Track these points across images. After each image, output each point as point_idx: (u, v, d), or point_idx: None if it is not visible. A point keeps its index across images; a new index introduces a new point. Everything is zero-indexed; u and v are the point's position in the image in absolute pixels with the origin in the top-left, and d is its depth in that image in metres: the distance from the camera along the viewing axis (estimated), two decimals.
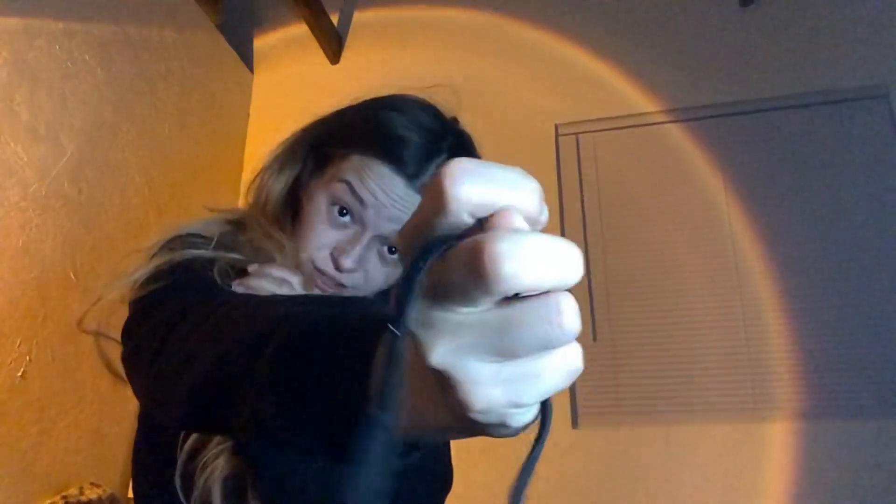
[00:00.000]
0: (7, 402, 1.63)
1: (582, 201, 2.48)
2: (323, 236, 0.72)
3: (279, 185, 0.77)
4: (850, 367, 2.07)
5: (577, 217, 2.46)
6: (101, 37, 2.10)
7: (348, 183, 0.71)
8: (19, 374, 1.67)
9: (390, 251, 0.73)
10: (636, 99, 2.55)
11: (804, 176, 2.32)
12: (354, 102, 0.79)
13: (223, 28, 2.78)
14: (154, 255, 0.72)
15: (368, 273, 0.73)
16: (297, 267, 0.72)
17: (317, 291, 0.73)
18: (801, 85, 2.41)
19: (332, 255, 0.72)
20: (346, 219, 0.72)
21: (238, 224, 0.77)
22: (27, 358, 1.70)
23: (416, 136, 0.72)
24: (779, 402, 2.09)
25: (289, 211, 0.77)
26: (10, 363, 1.65)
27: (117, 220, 2.08)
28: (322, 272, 0.72)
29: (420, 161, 0.71)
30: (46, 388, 1.74)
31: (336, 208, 0.72)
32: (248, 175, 3.10)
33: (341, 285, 0.73)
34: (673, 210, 2.39)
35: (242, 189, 2.74)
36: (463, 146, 0.78)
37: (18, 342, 1.68)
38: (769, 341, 2.16)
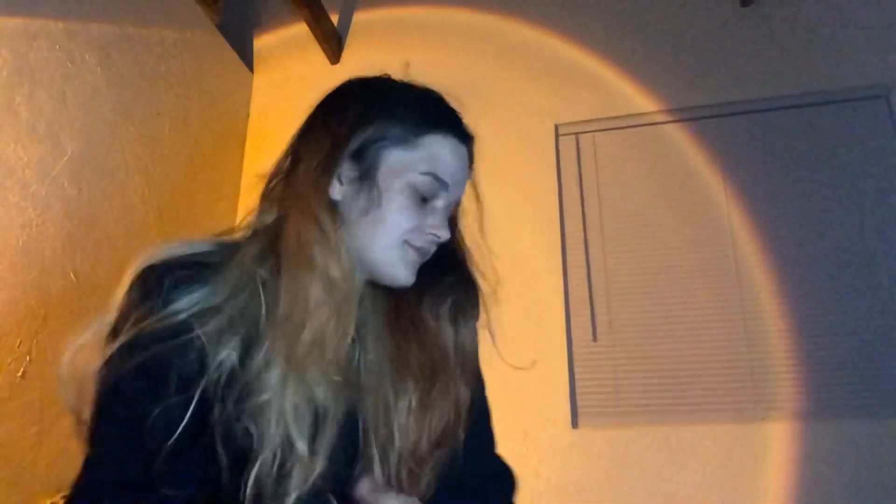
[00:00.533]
0: (7, 402, 1.63)
1: (582, 201, 2.48)
2: (413, 217, 0.74)
3: (332, 176, 0.73)
4: (850, 367, 2.07)
5: (577, 217, 2.46)
6: (101, 37, 2.10)
7: (432, 174, 0.74)
8: (19, 374, 1.67)
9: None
10: (636, 99, 2.55)
11: (804, 176, 2.32)
12: (371, 88, 0.81)
13: (223, 28, 2.78)
14: (128, 301, 0.65)
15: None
16: (347, 280, 0.68)
17: (402, 270, 0.74)
18: (801, 85, 2.41)
19: (420, 230, 0.74)
20: (430, 202, 0.76)
21: (233, 247, 0.70)
22: (27, 358, 1.70)
23: (447, 103, 0.82)
24: (779, 402, 2.09)
25: (334, 208, 0.73)
26: (10, 363, 1.65)
27: (117, 220, 2.08)
28: (420, 247, 0.75)
29: (460, 122, 0.80)
30: (46, 388, 1.74)
31: (418, 196, 0.74)
32: (248, 175, 3.09)
33: (428, 255, 0.77)
34: (673, 210, 2.39)
35: (242, 189, 2.76)
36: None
37: (18, 342, 1.68)
38: (769, 341, 2.16)
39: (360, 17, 3.02)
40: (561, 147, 2.58)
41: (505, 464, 0.85)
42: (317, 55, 2.92)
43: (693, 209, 2.38)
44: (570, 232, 2.44)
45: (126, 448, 0.61)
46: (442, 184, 0.75)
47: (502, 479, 0.84)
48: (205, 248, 0.69)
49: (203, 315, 0.63)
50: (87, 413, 0.63)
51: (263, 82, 2.99)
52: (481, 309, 0.83)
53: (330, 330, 0.65)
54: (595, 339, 2.30)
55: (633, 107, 2.54)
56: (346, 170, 0.73)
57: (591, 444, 2.14)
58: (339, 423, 0.65)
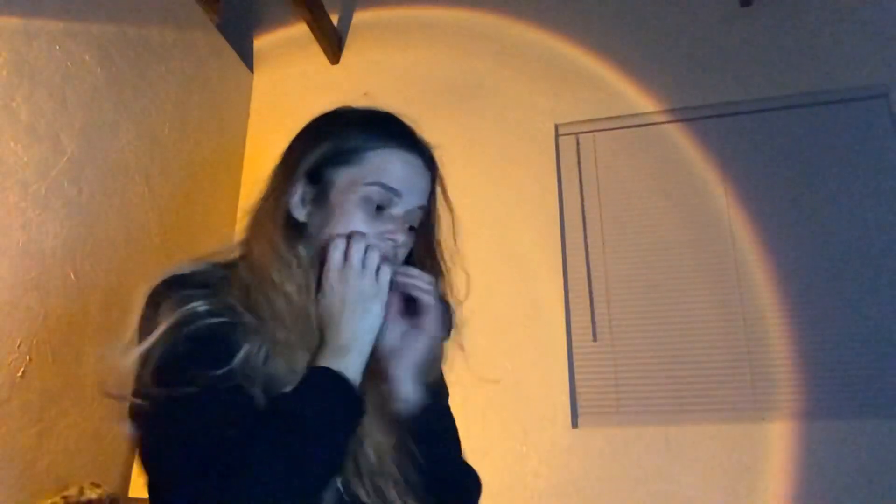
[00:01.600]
0: (7, 402, 1.63)
1: (582, 201, 2.48)
2: (366, 227, 0.79)
3: (287, 203, 0.81)
4: (850, 367, 2.07)
5: (577, 217, 2.46)
6: (101, 37, 2.10)
7: (381, 183, 0.80)
8: (19, 374, 1.67)
9: (409, 228, 0.84)
10: (636, 99, 2.55)
11: (804, 176, 2.32)
12: (322, 118, 0.87)
13: (223, 28, 2.78)
14: (148, 315, 0.72)
15: (401, 250, 0.83)
16: (309, 291, 0.77)
17: None
18: (801, 85, 2.41)
19: (378, 237, 0.80)
20: (386, 211, 0.81)
21: (230, 268, 0.78)
22: (27, 358, 1.70)
23: (398, 120, 0.86)
24: (779, 402, 2.09)
25: (295, 229, 0.81)
26: (10, 363, 1.65)
27: (117, 220, 2.08)
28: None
29: (418, 141, 0.85)
30: (46, 388, 1.74)
31: (371, 206, 0.80)
32: (248, 175, 3.11)
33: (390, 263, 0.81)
34: (673, 210, 2.39)
35: (242, 189, 2.76)
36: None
37: (18, 342, 1.68)
38: (769, 341, 2.16)
39: (360, 17, 3.01)
40: (561, 147, 2.58)
41: (470, 468, 0.88)
42: (317, 55, 2.92)
43: (693, 209, 2.38)
44: (570, 232, 2.44)
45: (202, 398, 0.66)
46: (391, 190, 0.80)
47: (466, 485, 0.87)
48: (204, 267, 0.78)
49: (224, 306, 0.72)
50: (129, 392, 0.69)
51: (263, 82, 2.99)
52: (453, 325, 0.89)
53: (293, 336, 0.73)
54: (595, 339, 2.29)
55: (633, 107, 2.54)
56: (307, 192, 0.81)
57: (591, 444, 2.14)
58: None
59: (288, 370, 0.70)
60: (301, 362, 0.72)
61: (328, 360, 0.71)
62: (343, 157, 0.81)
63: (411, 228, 0.84)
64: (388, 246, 0.80)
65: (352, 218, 0.79)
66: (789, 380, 2.10)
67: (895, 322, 2.09)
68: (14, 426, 1.65)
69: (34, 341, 1.72)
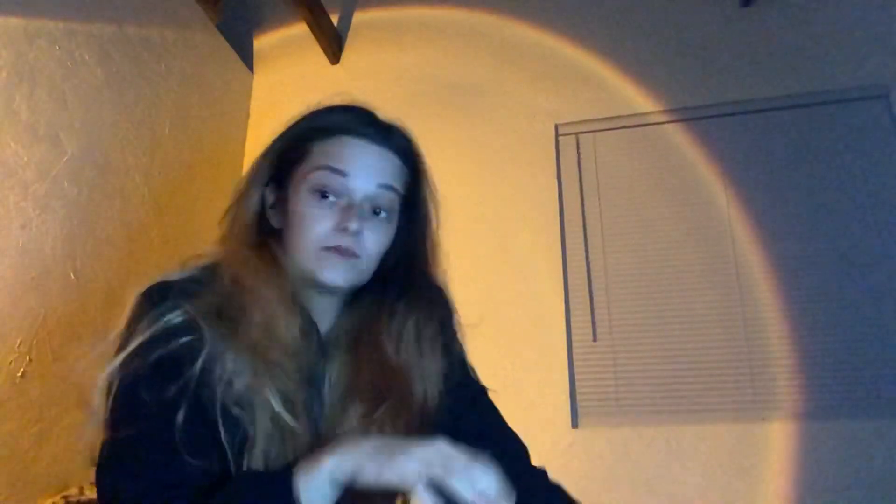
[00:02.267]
0: (7, 402, 1.63)
1: (582, 201, 2.48)
2: (320, 220, 0.77)
3: (250, 213, 0.82)
4: (850, 367, 2.07)
5: (577, 217, 2.46)
6: (101, 37, 2.10)
7: (325, 166, 0.78)
8: (19, 374, 1.67)
9: (375, 212, 0.80)
10: (636, 99, 2.55)
11: (804, 176, 2.32)
12: (278, 134, 0.87)
13: (223, 28, 2.78)
14: (133, 316, 0.74)
15: (367, 236, 0.79)
16: (281, 288, 0.76)
17: (330, 272, 0.77)
18: (801, 85, 2.41)
19: (335, 229, 0.77)
20: (331, 198, 0.78)
21: (212, 269, 0.79)
22: (27, 358, 1.70)
23: (355, 112, 0.84)
24: (779, 402, 2.09)
25: (264, 230, 0.82)
26: (10, 363, 1.65)
27: (117, 220, 2.08)
28: (334, 248, 0.77)
29: (374, 125, 0.82)
30: (46, 388, 1.74)
31: (318, 194, 0.78)
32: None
33: (354, 255, 0.78)
34: (673, 210, 2.39)
35: None
36: (391, 122, 0.86)
37: (18, 342, 1.68)
38: (769, 341, 2.16)
39: (360, 17, 3.01)
40: (561, 147, 2.58)
41: (551, 486, 0.91)
42: (317, 55, 2.92)
43: (693, 209, 2.38)
44: (570, 232, 2.44)
45: (153, 427, 0.66)
46: (336, 172, 0.78)
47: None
48: (192, 273, 0.78)
49: (200, 317, 0.72)
50: (100, 410, 0.70)
51: (263, 82, 2.99)
52: (457, 325, 0.88)
53: (275, 334, 0.73)
54: (595, 339, 2.29)
55: (633, 107, 2.54)
56: (274, 198, 0.83)
57: (591, 444, 2.14)
58: (309, 417, 0.75)
59: (248, 387, 0.69)
60: (268, 381, 0.70)
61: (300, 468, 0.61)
62: (293, 157, 0.81)
63: (377, 213, 0.80)
64: (347, 241, 0.77)
65: (304, 211, 0.77)
66: (789, 380, 2.10)
67: (895, 322, 2.09)
68: (14, 426, 1.65)
69: (34, 341, 1.72)
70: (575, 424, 2.19)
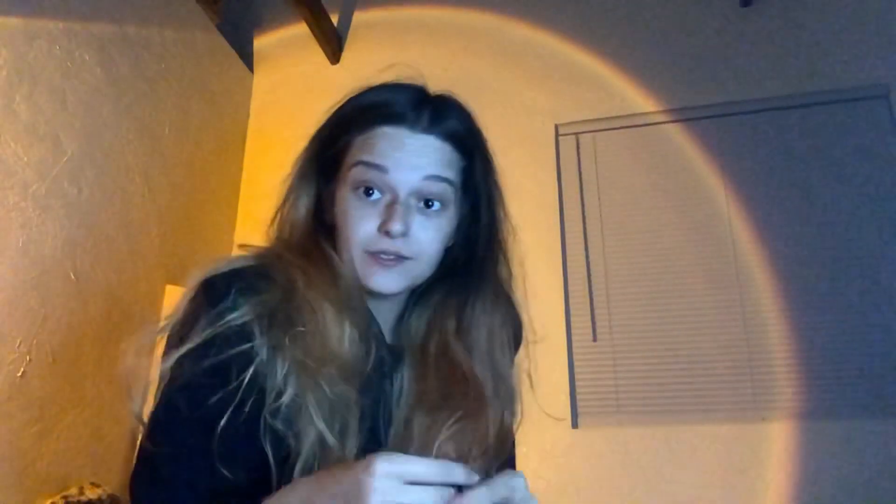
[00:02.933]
0: (7, 402, 1.63)
1: (582, 201, 2.48)
2: (363, 221, 0.71)
3: (301, 212, 0.76)
4: (850, 367, 2.07)
5: (577, 217, 2.46)
6: (101, 37, 2.10)
7: (361, 161, 0.72)
8: (19, 374, 1.67)
9: (428, 204, 0.73)
10: (636, 99, 2.55)
11: (804, 176, 2.32)
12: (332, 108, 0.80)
13: (223, 28, 2.78)
14: (195, 307, 0.68)
15: (419, 235, 0.72)
16: (336, 294, 0.70)
17: (378, 279, 0.72)
18: (801, 85, 2.41)
19: (378, 231, 0.71)
20: (375, 195, 0.72)
21: (274, 259, 0.73)
22: (27, 358, 1.70)
23: (398, 94, 0.76)
24: (779, 402, 2.09)
25: (320, 232, 0.76)
26: (10, 363, 1.65)
27: (117, 220, 2.08)
28: (379, 252, 0.71)
29: (417, 108, 0.74)
30: (46, 388, 1.74)
31: (361, 191, 0.72)
32: (248, 175, 3.09)
33: (401, 257, 0.71)
34: (673, 210, 2.39)
35: (242, 190, 2.76)
36: (446, 96, 0.81)
37: (18, 342, 1.68)
38: (769, 341, 2.16)
39: (360, 17, 3.01)
40: (561, 147, 2.58)
41: None
42: (317, 55, 2.92)
43: (693, 209, 2.38)
44: (570, 232, 2.44)
45: (192, 442, 0.63)
46: (376, 168, 0.71)
47: None
48: (256, 263, 0.71)
49: (257, 321, 0.66)
50: (143, 410, 0.66)
51: (263, 82, 2.99)
52: (521, 340, 0.81)
53: (328, 346, 0.67)
54: (595, 339, 2.29)
55: (633, 107, 2.54)
56: (325, 194, 0.77)
57: (591, 444, 2.14)
58: (364, 428, 0.68)
59: (294, 401, 0.64)
60: (314, 397, 0.65)
61: None
62: (334, 145, 0.76)
63: (430, 204, 0.72)
64: (391, 244, 0.70)
65: (347, 210, 0.72)
66: (789, 380, 2.10)
67: (895, 322, 2.09)
68: (14, 426, 1.65)
69: (34, 341, 1.72)
70: (575, 424, 2.19)
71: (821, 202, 2.27)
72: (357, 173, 0.72)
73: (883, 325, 2.09)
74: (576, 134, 2.59)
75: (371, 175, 0.71)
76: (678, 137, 2.48)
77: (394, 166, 0.71)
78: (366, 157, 0.71)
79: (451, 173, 0.74)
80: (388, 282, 0.72)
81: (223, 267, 0.70)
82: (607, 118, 2.56)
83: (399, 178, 0.71)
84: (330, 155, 0.76)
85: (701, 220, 2.36)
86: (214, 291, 0.67)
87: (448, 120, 0.76)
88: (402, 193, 0.71)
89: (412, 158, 0.71)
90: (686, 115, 2.49)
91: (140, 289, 2.12)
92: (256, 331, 0.65)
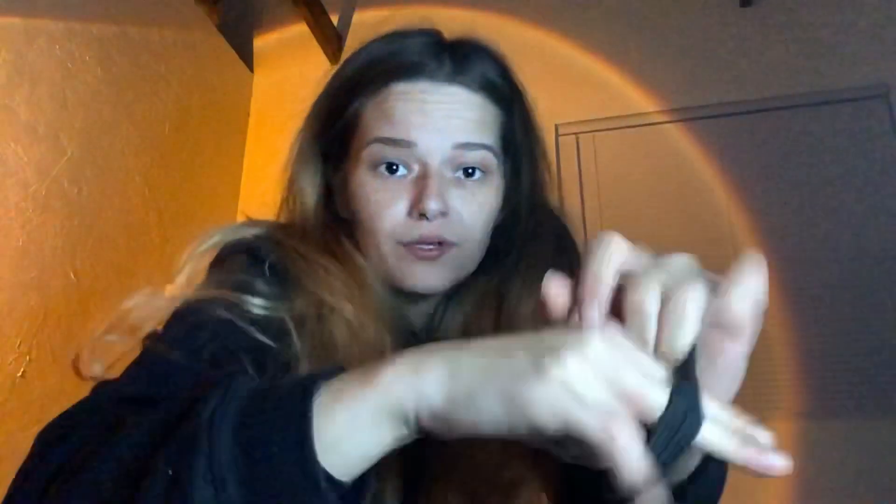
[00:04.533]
0: (7, 402, 1.63)
1: (582, 201, 2.48)
2: (389, 205, 0.58)
3: (309, 204, 0.64)
4: (850, 367, 2.07)
5: (578, 217, 2.46)
6: (101, 37, 2.10)
7: (377, 139, 0.59)
8: (19, 374, 1.67)
9: (467, 173, 0.59)
10: (636, 99, 2.55)
11: (804, 175, 2.32)
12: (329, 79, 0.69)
13: (223, 28, 2.78)
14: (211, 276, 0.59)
15: (460, 212, 0.58)
16: (359, 300, 0.58)
17: (419, 277, 0.58)
18: (801, 85, 2.41)
19: (409, 215, 0.57)
20: (401, 171, 0.58)
21: (279, 234, 0.62)
22: (27, 358, 1.70)
23: (410, 40, 0.65)
24: (779, 402, 2.09)
25: (337, 223, 0.64)
26: (10, 363, 1.65)
27: (117, 220, 2.08)
28: (415, 242, 0.57)
29: (433, 55, 0.62)
30: (46, 388, 1.74)
31: (382, 169, 0.58)
32: (248, 175, 3.08)
33: (442, 242, 0.57)
34: (673, 210, 2.39)
35: (243, 189, 2.76)
36: (468, 38, 0.68)
37: (18, 342, 1.68)
38: (769, 341, 2.16)
39: (360, 17, 3.02)
40: (561, 147, 2.58)
41: None
42: (317, 55, 2.92)
43: (693, 209, 2.38)
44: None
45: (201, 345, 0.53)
46: (397, 143, 0.57)
47: None
48: (272, 231, 0.62)
49: (278, 298, 0.56)
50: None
51: (263, 82, 2.99)
52: None
53: (356, 347, 0.55)
54: None
55: (633, 107, 2.54)
56: (335, 179, 0.65)
57: None
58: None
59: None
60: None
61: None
62: (340, 119, 0.62)
63: (470, 173, 0.59)
64: (428, 229, 0.56)
65: (366, 195, 0.58)
66: (789, 380, 2.10)
67: (895, 322, 2.09)
68: (14, 426, 1.65)
69: (34, 341, 1.72)
70: None
71: (820, 202, 2.27)
72: (375, 151, 0.59)
73: (883, 326, 2.09)
74: (576, 134, 2.59)
75: (391, 150, 0.58)
76: (678, 137, 2.48)
77: (418, 136, 0.57)
78: (382, 133, 0.58)
79: (489, 136, 0.61)
80: (433, 278, 0.58)
81: (241, 233, 0.61)
82: (607, 118, 2.56)
83: (428, 147, 0.58)
84: (337, 130, 0.63)
85: (701, 221, 2.36)
86: (257, 256, 0.58)
87: (476, 64, 0.64)
88: (434, 165, 0.58)
89: (438, 121, 0.58)
90: (686, 115, 2.49)
91: (140, 289, 2.12)
92: (294, 334, 0.54)
